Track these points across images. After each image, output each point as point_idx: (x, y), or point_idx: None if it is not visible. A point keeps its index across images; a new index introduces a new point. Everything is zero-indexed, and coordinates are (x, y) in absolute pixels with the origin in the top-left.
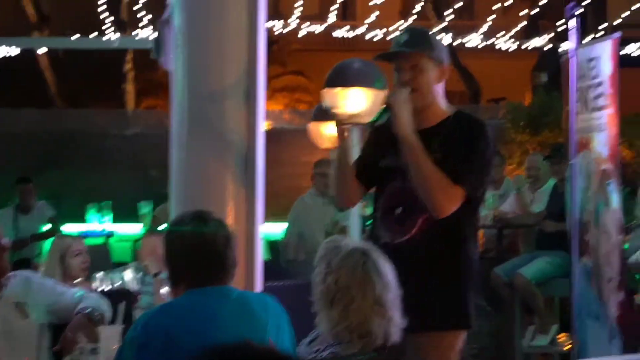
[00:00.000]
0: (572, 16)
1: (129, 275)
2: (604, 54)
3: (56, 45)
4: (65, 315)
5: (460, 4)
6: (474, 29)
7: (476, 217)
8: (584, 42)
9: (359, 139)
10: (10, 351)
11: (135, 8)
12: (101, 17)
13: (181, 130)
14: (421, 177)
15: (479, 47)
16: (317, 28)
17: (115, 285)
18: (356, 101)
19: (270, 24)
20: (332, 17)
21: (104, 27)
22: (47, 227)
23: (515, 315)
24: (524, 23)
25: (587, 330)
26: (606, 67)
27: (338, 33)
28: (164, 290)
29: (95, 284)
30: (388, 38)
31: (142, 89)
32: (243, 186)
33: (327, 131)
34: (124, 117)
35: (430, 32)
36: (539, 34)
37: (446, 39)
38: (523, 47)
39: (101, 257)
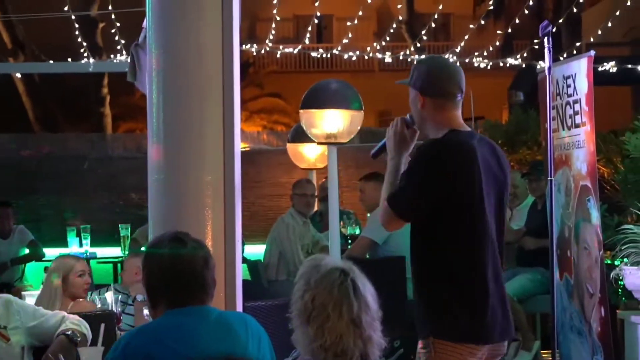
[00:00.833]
0: (546, 34)
1: (110, 297)
2: (579, 72)
3: (32, 70)
4: (46, 338)
5: (435, 25)
6: (450, 49)
7: (455, 231)
8: (560, 60)
9: (336, 159)
10: None
11: (110, 32)
12: (77, 42)
13: (158, 152)
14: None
15: None
16: (293, 50)
17: (97, 307)
18: (333, 122)
19: (246, 46)
20: (308, 39)
21: (79, 52)
22: (27, 251)
23: None
24: (499, 43)
25: (570, 346)
26: (582, 84)
27: (314, 54)
28: (146, 311)
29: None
30: (365, 58)
31: (119, 113)
32: (221, 207)
33: (305, 151)
34: (102, 140)
35: (421, 61)
36: (513, 53)
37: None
38: (499, 66)
39: None
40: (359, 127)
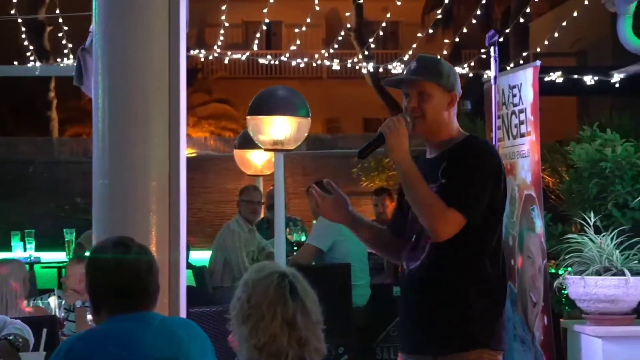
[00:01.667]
0: (492, 44)
1: (53, 302)
2: (525, 82)
3: None
4: None
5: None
6: (398, 57)
7: (491, 238)
8: (507, 69)
9: (283, 165)
10: None
11: (57, 36)
12: (24, 45)
13: (103, 157)
14: (415, 202)
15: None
16: (242, 56)
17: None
18: (280, 128)
19: (195, 52)
20: (256, 46)
21: (26, 56)
22: None
23: None
24: (447, 52)
25: (514, 354)
26: (527, 94)
27: (262, 61)
28: (90, 316)
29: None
30: (313, 65)
31: (67, 117)
32: (166, 213)
33: (252, 158)
34: (49, 144)
35: (440, 59)
36: (462, 62)
37: (369, 67)
38: None
39: None
40: (306, 134)
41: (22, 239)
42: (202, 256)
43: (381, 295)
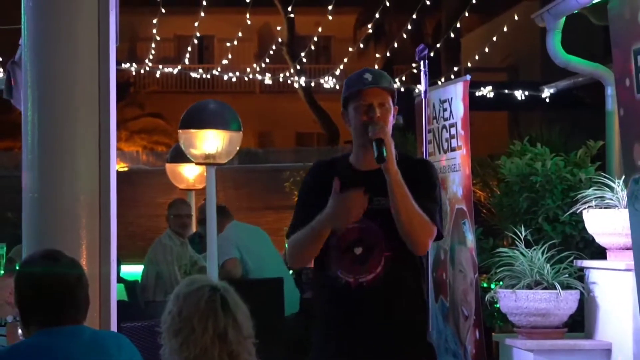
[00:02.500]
0: (422, 58)
1: None
2: (455, 96)
3: None
4: None
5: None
6: (330, 71)
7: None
8: (438, 84)
9: (215, 179)
10: None
11: None
12: None
13: (32, 169)
14: (406, 214)
15: (336, 89)
16: (173, 70)
17: None
18: (211, 142)
19: (126, 66)
20: (188, 60)
21: None
22: None
23: None
24: (379, 66)
25: None
26: (458, 108)
27: (194, 75)
28: (20, 331)
29: None
30: (246, 79)
31: None
32: (96, 226)
33: (184, 172)
34: None
35: (377, 71)
36: (393, 76)
37: (301, 81)
38: None
39: None
40: (237, 148)
41: None
42: (133, 270)
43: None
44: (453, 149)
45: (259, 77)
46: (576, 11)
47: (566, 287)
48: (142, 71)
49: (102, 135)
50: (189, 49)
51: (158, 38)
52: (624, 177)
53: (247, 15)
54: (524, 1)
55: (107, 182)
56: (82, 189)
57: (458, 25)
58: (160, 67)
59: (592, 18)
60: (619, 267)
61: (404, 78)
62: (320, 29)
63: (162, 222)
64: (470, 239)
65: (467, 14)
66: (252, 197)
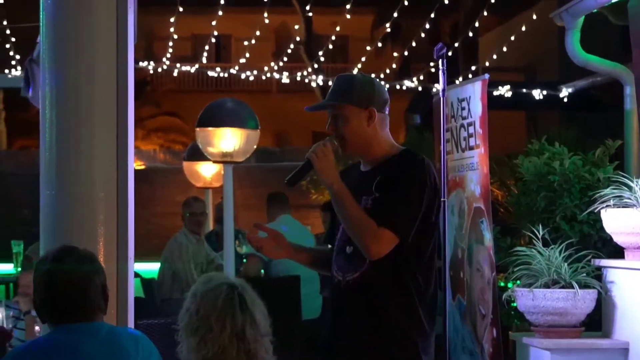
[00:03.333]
0: (440, 57)
1: (0, 313)
2: (473, 95)
3: None
4: None
5: (333, 46)
6: (347, 71)
7: (426, 254)
8: (456, 83)
9: (232, 177)
10: None
11: (5, 47)
12: None
13: (50, 167)
14: (347, 223)
15: None
16: (191, 68)
17: None
18: (229, 140)
19: (144, 64)
20: (205, 58)
21: None
22: None
23: None
24: (396, 65)
25: None
26: (476, 107)
27: (212, 74)
28: (37, 327)
29: None
30: (263, 78)
31: (14, 129)
32: (114, 224)
33: (201, 170)
34: None
35: (353, 77)
36: (410, 75)
37: (319, 80)
38: (396, 88)
39: None
40: (254, 146)
41: None
42: (150, 268)
43: None
44: (471, 148)
45: (276, 76)
46: (595, 10)
47: (584, 286)
48: (159, 70)
49: (120, 133)
50: (206, 47)
51: (175, 37)
52: None
53: (265, 15)
54: (542, 0)
55: (124, 180)
56: (100, 187)
57: (476, 24)
58: (178, 65)
59: (611, 17)
60: (637, 266)
61: (421, 77)
62: (337, 28)
63: (178, 220)
64: (488, 237)
65: (485, 14)
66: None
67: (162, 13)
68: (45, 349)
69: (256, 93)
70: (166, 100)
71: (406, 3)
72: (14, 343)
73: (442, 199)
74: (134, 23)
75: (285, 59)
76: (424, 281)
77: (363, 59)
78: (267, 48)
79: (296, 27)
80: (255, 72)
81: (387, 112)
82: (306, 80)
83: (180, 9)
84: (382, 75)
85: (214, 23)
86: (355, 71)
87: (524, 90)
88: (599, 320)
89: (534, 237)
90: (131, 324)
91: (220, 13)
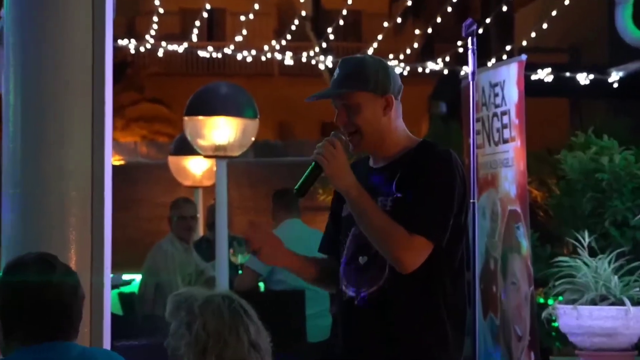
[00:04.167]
0: (469, 34)
1: None
2: (508, 79)
3: None
4: None
5: (344, 23)
6: (361, 51)
7: (456, 260)
8: (487, 65)
9: (226, 175)
10: None
11: None
12: None
13: (14, 162)
14: (372, 232)
15: None
16: (179, 48)
17: None
18: (222, 132)
19: (124, 43)
20: (196, 36)
21: None
22: None
23: None
24: (418, 45)
25: None
26: (511, 93)
27: (203, 54)
28: None
29: None
30: (262, 59)
31: None
32: (88, 229)
33: (190, 166)
34: None
35: (364, 59)
36: (435, 57)
37: (327, 62)
38: (418, 71)
39: None
40: (253, 139)
41: None
42: (130, 279)
43: None
44: (505, 141)
45: (278, 57)
46: None
47: (636, 302)
48: (142, 49)
49: (96, 123)
50: (197, 24)
51: (161, 11)
52: None
53: None
54: None
55: (100, 177)
56: (72, 185)
57: None
58: (164, 44)
59: None
60: None
61: (447, 59)
62: (349, 2)
63: (163, 225)
64: (525, 246)
65: None
66: (270, 196)
67: None
68: None
69: (255, 77)
70: (150, 84)
71: None
72: None
73: (471, 201)
74: None
75: (288, 37)
76: (453, 295)
77: (379, 37)
78: (268, 24)
79: (301, 0)
80: (253, 52)
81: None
82: (313, 62)
83: None
84: (401, 57)
85: None
86: (370, 52)
87: (567, 74)
88: None
89: (578, 245)
90: (107, 345)
91: None
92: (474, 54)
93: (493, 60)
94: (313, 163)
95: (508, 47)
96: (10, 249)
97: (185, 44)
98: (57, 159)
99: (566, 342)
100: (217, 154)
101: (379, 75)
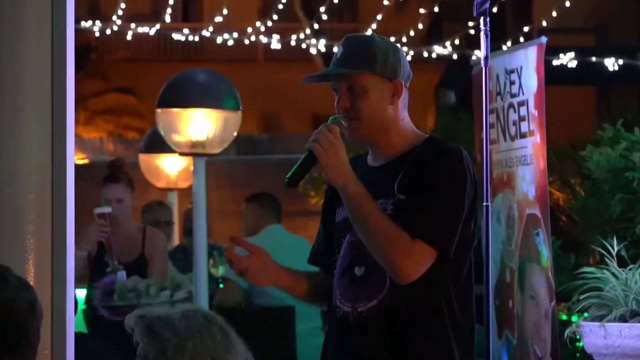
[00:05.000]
0: (482, 13)
1: None
2: (526, 65)
3: None
4: None
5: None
6: (358, 32)
7: (463, 271)
8: (502, 49)
9: (204, 175)
10: None
11: None
12: None
13: None
14: (369, 236)
15: None
16: (149, 30)
17: None
18: (200, 125)
19: (87, 24)
20: (169, 16)
21: None
22: None
23: None
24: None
25: None
26: (530, 81)
27: (178, 37)
28: None
29: None
30: (246, 43)
31: None
32: (48, 236)
33: (163, 165)
34: None
35: (373, 38)
36: (443, 39)
37: (320, 46)
38: (423, 56)
39: None
40: (235, 134)
41: None
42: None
43: None
44: (523, 135)
45: (264, 40)
46: None
47: None
48: (107, 32)
49: (56, 116)
50: (170, 2)
51: None
52: None
53: None
54: None
55: (62, 178)
56: (30, 187)
57: None
58: (132, 26)
59: None
60: None
61: (457, 41)
62: None
63: None
64: (546, 255)
65: None
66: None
67: None
68: None
69: (237, 62)
70: (117, 72)
71: None
72: None
73: (484, 204)
74: None
75: (275, 17)
76: (460, 310)
77: (379, 17)
78: (252, 3)
79: None
80: (235, 34)
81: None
82: (303, 46)
83: None
84: (404, 39)
85: None
86: (368, 33)
87: (594, 58)
88: None
89: (606, 254)
90: None
91: None
92: (486, 36)
93: (509, 44)
94: (306, 151)
95: (526, 28)
96: None
97: (157, 26)
98: (12, 158)
99: None
100: (194, 151)
101: (389, 56)
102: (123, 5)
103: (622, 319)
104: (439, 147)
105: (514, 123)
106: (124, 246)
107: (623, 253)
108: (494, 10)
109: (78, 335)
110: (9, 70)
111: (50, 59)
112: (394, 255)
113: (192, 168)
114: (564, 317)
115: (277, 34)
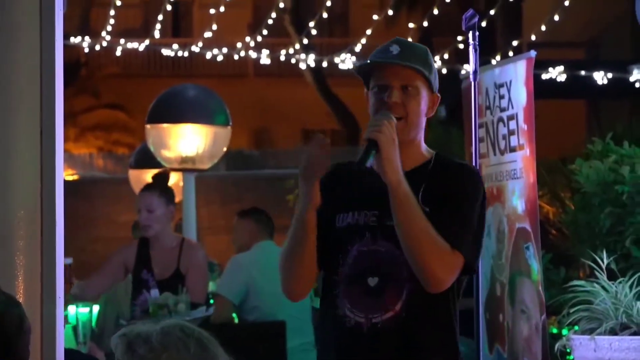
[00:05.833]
0: (471, 28)
1: None
2: (516, 79)
3: None
4: None
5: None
6: (348, 47)
7: (463, 284)
8: (493, 62)
9: (194, 191)
10: None
11: None
12: None
13: None
14: (412, 239)
15: None
16: (139, 45)
17: None
18: (190, 141)
19: (76, 40)
20: (159, 32)
21: None
22: None
23: None
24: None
25: None
26: (519, 95)
27: (167, 53)
28: None
29: None
30: (235, 58)
31: None
32: (37, 253)
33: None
34: None
35: (426, 47)
36: (432, 53)
37: (309, 61)
38: None
39: None
40: (225, 149)
41: None
42: (86, 312)
43: None
44: (513, 149)
45: (253, 55)
46: None
47: None
48: (97, 47)
49: (45, 132)
50: (160, 18)
51: (119, 3)
52: None
53: None
54: None
55: (51, 194)
56: (19, 203)
57: None
58: (122, 41)
59: None
60: None
61: (446, 55)
62: None
63: None
64: (536, 268)
65: None
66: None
67: None
68: None
69: (227, 78)
70: (106, 88)
71: None
72: None
73: None
74: None
75: (264, 32)
76: (456, 321)
77: (368, 31)
78: (242, 18)
79: None
80: (225, 50)
81: None
82: (293, 61)
83: None
84: None
85: None
86: (358, 48)
87: (583, 72)
88: None
89: (596, 267)
90: None
91: None
92: (475, 50)
93: (498, 58)
94: (367, 140)
95: (515, 43)
96: None
97: (147, 41)
98: (0, 175)
99: None
100: (184, 166)
101: (434, 70)
102: (112, 21)
103: (612, 332)
104: (457, 163)
105: (504, 137)
106: (160, 262)
107: (613, 266)
108: (483, 24)
109: (68, 352)
110: (1, 86)
111: (39, 75)
112: (434, 262)
113: (181, 184)
114: (555, 331)
115: (266, 49)
